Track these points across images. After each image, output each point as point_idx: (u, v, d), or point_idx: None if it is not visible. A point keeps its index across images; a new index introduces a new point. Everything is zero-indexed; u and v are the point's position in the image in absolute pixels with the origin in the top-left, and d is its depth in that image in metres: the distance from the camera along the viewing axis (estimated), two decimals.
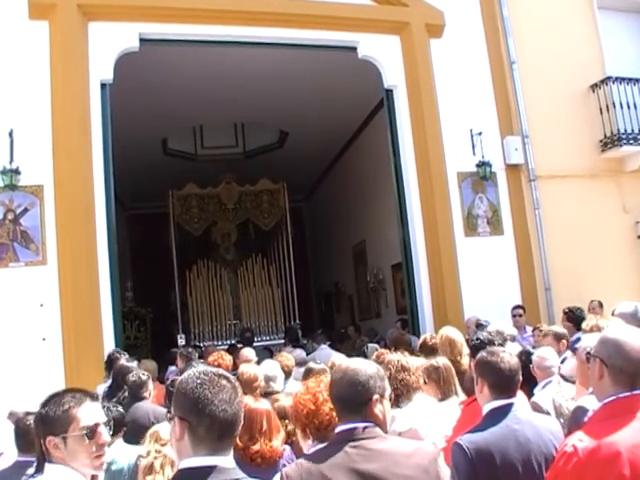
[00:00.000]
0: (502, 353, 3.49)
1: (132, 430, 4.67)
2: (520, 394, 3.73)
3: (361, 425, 2.69)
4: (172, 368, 8.94)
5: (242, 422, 2.29)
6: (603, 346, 2.69)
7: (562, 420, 4.31)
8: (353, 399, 2.72)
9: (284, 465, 3.75)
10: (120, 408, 4.81)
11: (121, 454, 4.32)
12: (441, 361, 4.95)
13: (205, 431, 2.16)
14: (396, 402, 4.05)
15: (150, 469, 3.67)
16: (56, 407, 2.50)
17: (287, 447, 4.03)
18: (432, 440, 3.85)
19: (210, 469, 2.13)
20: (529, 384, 4.91)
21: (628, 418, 2.52)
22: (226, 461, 2.19)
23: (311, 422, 3.07)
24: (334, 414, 2.95)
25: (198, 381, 2.22)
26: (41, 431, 2.50)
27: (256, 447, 3.78)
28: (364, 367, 2.82)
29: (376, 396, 2.75)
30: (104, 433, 2.57)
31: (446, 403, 4.62)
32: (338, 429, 2.73)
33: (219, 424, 2.17)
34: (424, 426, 4.06)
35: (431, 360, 4.94)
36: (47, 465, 2.48)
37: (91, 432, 2.51)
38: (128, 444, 4.41)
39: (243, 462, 3.59)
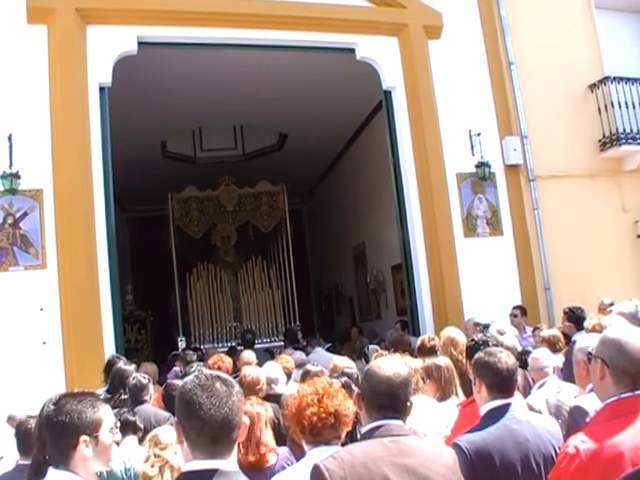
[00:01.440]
0: (499, 353, 3.50)
1: None
2: (517, 394, 3.74)
3: (398, 422, 2.81)
4: (175, 368, 8.97)
5: (242, 424, 2.29)
6: (604, 346, 2.69)
7: (561, 420, 4.32)
8: (402, 398, 2.85)
9: (283, 467, 3.74)
10: (136, 416, 4.82)
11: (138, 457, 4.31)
12: (443, 361, 4.95)
13: (196, 435, 2.19)
14: None
15: (149, 473, 3.67)
16: (86, 409, 2.55)
17: (285, 448, 4.02)
18: (432, 440, 3.85)
19: (210, 473, 2.14)
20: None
21: (630, 419, 2.52)
22: (227, 464, 2.20)
23: (296, 425, 3.12)
24: (315, 419, 3.03)
25: (190, 386, 2.25)
26: (70, 432, 2.50)
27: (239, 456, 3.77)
28: (407, 370, 3.00)
29: (413, 397, 2.94)
30: (118, 431, 2.70)
31: (445, 403, 4.62)
32: (374, 424, 2.81)
33: (209, 428, 2.18)
34: (422, 426, 4.06)
35: (433, 359, 4.95)
36: (51, 470, 2.49)
37: (114, 431, 2.63)
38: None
39: None
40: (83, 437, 2.49)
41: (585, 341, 4.05)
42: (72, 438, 2.49)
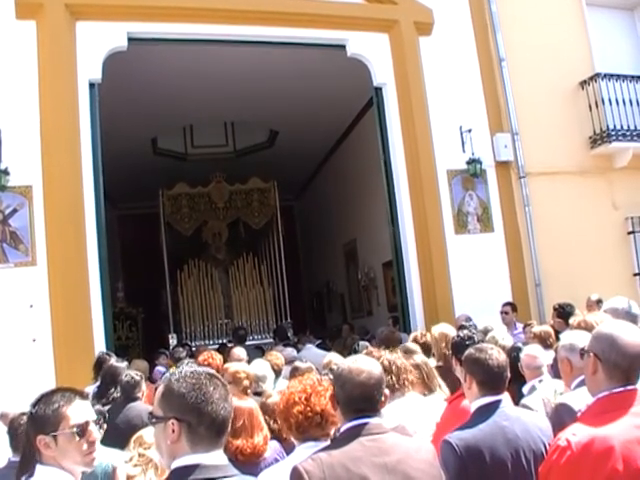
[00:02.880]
0: (490, 350, 3.50)
1: (125, 430, 4.65)
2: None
3: (375, 420, 2.81)
4: (158, 368, 8.93)
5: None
6: (597, 341, 2.71)
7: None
8: (377, 397, 2.84)
9: (276, 460, 3.75)
10: (100, 407, 4.80)
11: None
12: (419, 358, 4.97)
13: (206, 429, 2.18)
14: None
15: (131, 473, 3.67)
16: (46, 406, 2.52)
17: (275, 442, 4.02)
18: (420, 437, 3.85)
19: (207, 467, 2.14)
20: (516, 382, 4.88)
21: (621, 413, 2.54)
22: (221, 457, 2.21)
23: (284, 421, 3.15)
24: (301, 417, 3.06)
25: (193, 381, 2.22)
26: (31, 430, 2.52)
27: (237, 442, 3.78)
28: (379, 367, 2.98)
29: (387, 393, 2.94)
30: (94, 431, 2.61)
31: (431, 398, 4.63)
32: (351, 423, 2.80)
33: (219, 421, 2.19)
34: (411, 423, 4.06)
35: (409, 360, 4.94)
36: (38, 466, 2.49)
37: (81, 430, 2.53)
38: (105, 446, 4.34)
39: None
40: (40, 436, 2.47)
41: (568, 338, 4.06)
42: (31, 439, 2.49)
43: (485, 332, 6.10)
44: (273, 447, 3.96)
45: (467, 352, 3.59)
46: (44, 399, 2.55)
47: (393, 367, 4.36)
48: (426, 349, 6.11)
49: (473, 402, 3.45)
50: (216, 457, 2.19)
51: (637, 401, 2.59)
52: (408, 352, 5.37)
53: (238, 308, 15.21)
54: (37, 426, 2.49)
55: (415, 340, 6.39)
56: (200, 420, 2.17)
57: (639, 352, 2.66)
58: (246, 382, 5.37)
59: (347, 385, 2.83)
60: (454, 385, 4.69)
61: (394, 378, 4.26)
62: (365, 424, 2.76)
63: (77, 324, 8.02)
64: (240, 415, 3.87)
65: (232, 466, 2.25)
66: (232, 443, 3.75)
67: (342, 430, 2.83)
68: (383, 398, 2.87)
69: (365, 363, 2.93)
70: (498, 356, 3.46)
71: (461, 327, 6.90)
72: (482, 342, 4.27)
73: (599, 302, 7.93)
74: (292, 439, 3.18)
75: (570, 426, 2.64)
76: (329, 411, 3.06)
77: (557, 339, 6.64)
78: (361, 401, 2.80)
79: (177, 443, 2.18)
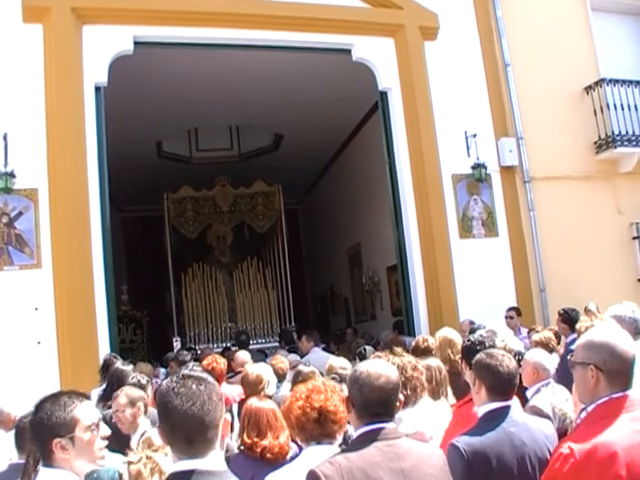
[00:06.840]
0: (501, 356, 3.49)
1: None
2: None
3: (392, 425, 2.82)
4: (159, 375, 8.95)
5: (219, 422, 2.26)
6: (594, 352, 2.69)
7: (557, 423, 4.30)
8: (392, 401, 2.85)
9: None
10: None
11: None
12: (434, 362, 4.95)
13: (171, 436, 2.20)
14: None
15: (138, 475, 3.67)
16: (59, 410, 2.53)
17: (294, 445, 4.03)
18: (436, 442, 3.85)
19: (190, 473, 2.13)
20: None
21: (622, 418, 2.55)
22: (205, 464, 2.17)
23: (287, 419, 3.20)
24: (299, 413, 3.08)
25: (165, 388, 2.24)
26: (44, 434, 2.51)
27: (264, 442, 3.81)
28: (396, 372, 2.99)
29: (402, 398, 2.95)
30: (104, 427, 2.67)
31: (438, 404, 4.61)
32: (367, 427, 2.80)
33: (180, 429, 2.17)
34: (429, 429, 4.06)
35: (425, 360, 4.93)
36: (43, 469, 2.49)
37: (95, 428, 2.59)
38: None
39: (253, 458, 3.75)
40: (56, 440, 2.48)
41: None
42: (46, 441, 2.49)
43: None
44: (294, 448, 3.98)
45: (477, 357, 3.58)
46: (51, 402, 2.55)
47: (406, 371, 4.34)
48: (428, 353, 6.10)
49: (481, 407, 3.45)
50: (212, 463, 2.18)
51: (635, 405, 2.60)
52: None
53: (242, 311, 15.20)
54: (51, 429, 2.49)
55: (417, 344, 6.39)
56: (166, 426, 2.20)
57: (633, 356, 2.69)
58: (261, 385, 5.47)
59: (365, 389, 2.83)
60: (460, 390, 4.68)
61: (407, 383, 4.25)
62: (382, 429, 2.77)
63: (82, 327, 8.03)
64: (263, 416, 3.94)
65: (229, 472, 2.24)
66: (258, 444, 3.81)
67: (358, 434, 2.83)
68: (398, 403, 2.88)
69: (383, 367, 2.93)
70: (508, 362, 3.46)
71: (472, 331, 6.90)
72: (493, 347, 4.26)
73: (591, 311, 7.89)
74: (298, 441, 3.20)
75: (572, 433, 2.64)
76: (327, 408, 3.07)
77: (558, 343, 6.65)
78: (378, 405, 2.81)
79: (168, 447, 2.26)
